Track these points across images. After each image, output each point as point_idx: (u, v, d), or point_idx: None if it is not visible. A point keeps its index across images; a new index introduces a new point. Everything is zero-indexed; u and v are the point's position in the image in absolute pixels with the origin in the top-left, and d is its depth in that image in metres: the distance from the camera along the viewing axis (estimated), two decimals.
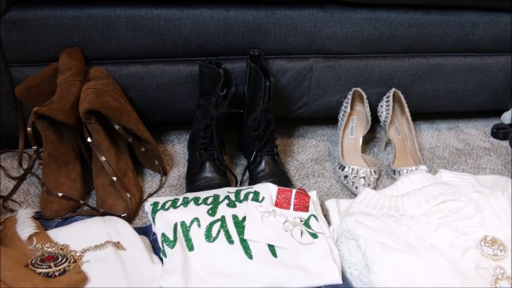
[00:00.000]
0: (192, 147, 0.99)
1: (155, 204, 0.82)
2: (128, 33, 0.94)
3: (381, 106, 1.12)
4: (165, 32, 0.95)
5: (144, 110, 1.03)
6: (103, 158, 0.89)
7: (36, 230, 0.76)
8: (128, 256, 0.74)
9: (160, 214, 0.80)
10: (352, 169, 0.99)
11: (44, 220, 0.84)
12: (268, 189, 0.87)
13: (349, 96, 1.09)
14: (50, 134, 0.89)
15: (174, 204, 0.82)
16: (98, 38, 0.94)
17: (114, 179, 0.88)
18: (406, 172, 1.01)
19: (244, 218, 0.79)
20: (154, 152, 0.97)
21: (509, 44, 1.18)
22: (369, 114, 1.09)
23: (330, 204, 0.88)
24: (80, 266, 0.71)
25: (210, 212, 0.80)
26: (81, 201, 0.90)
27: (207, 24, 0.96)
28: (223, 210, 0.81)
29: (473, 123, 1.31)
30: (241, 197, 0.84)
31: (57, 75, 0.92)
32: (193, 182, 0.94)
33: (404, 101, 1.12)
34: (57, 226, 0.81)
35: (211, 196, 0.84)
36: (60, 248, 0.74)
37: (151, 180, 1.00)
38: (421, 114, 1.29)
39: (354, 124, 1.11)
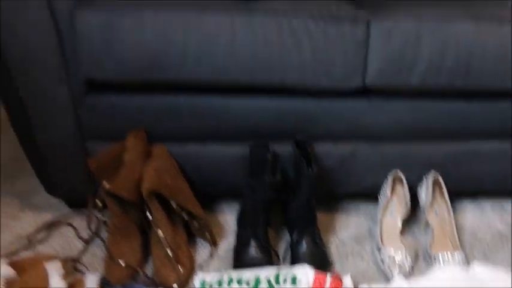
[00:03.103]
0: (240, 224, 1.08)
1: (203, 283, 0.91)
2: (188, 118, 1.05)
3: (421, 189, 1.17)
4: (221, 118, 1.06)
5: (198, 184, 1.13)
6: (161, 234, 0.99)
7: None
8: None
9: None
10: (389, 255, 1.04)
11: (107, 286, 0.95)
12: (306, 273, 0.93)
13: (389, 179, 1.14)
14: (116, 208, 1.01)
15: (219, 284, 0.90)
16: (161, 121, 1.05)
17: (169, 252, 0.98)
18: (442, 258, 1.04)
19: None
20: (205, 227, 1.07)
21: None
22: (408, 197, 1.13)
23: None
24: None
25: None
26: (140, 271, 1.00)
27: (258, 112, 1.06)
28: None
29: None
30: (281, 281, 0.91)
31: (124, 153, 1.05)
32: (239, 260, 1.02)
33: (443, 185, 1.16)
34: None
35: (253, 278, 0.91)
36: None
37: (202, 251, 1.09)
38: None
39: (393, 206, 1.16)
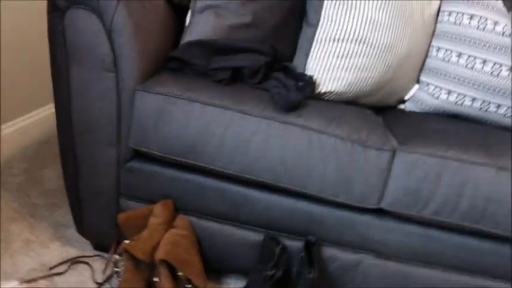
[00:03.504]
0: None
1: None
2: (212, 199, 1.15)
3: None
4: (241, 206, 1.15)
5: (211, 258, 1.22)
6: None
7: None
8: None
9: None
10: None
11: None
12: None
13: None
14: (131, 264, 1.11)
15: None
16: (188, 196, 1.16)
17: None
18: None
19: None
20: None
21: None
22: None
23: None
24: None
25: None
26: None
27: (276, 207, 1.14)
28: None
29: None
30: None
31: (150, 217, 1.16)
32: None
33: None
34: None
35: None
36: None
37: None
38: None
39: None
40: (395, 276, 1.20)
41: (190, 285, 1.13)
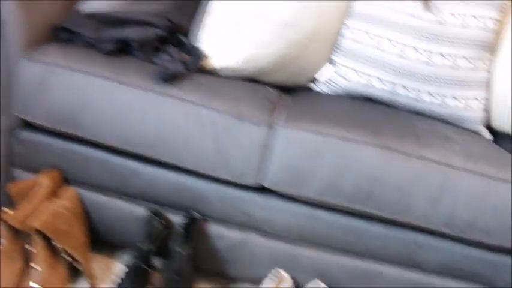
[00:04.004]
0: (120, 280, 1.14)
1: None
2: (98, 171, 1.14)
3: None
4: (127, 178, 1.14)
5: (101, 232, 1.21)
6: (35, 266, 1.08)
7: None
8: None
9: None
10: None
11: None
12: None
13: (271, 275, 1.17)
14: (9, 234, 1.11)
15: None
16: (74, 167, 1.15)
17: (34, 285, 1.07)
18: None
19: None
20: (85, 271, 1.15)
21: (460, 272, 1.17)
22: None
23: None
24: None
25: None
26: None
27: (160, 181, 1.13)
28: None
29: None
30: None
31: (35, 187, 1.15)
32: None
33: None
34: None
35: None
36: None
37: None
38: None
39: None
40: (283, 257, 1.18)
41: (70, 258, 1.12)
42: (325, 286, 1.17)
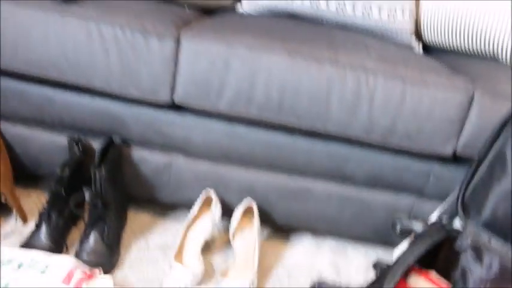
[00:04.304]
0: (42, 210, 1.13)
1: None
2: (14, 101, 1.12)
3: (234, 213, 1.17)
4: (43, 106, 1.12)
5: (27, 167, 1.20)
6: None
7: None
8: None
9: None
10: (176, 271, 1.06)
11: None
12: (63, 264, 0.97)
13: (201, 196, 1.16)
14: None
15: None
16: None
17: None
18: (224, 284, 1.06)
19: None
20: (11, 203, 1.14)
21: (388, 183, 1.16)
22: (216, 218, 1.14)
23: None
24: None
25: None
26: None
27: (78, 108, 1.11)
28: (4, 272, 0.93)
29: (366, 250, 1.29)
30: (30, 265, 0.95)
31: None
32: (27, 242, 1.08)
33: (256, 215, 1.16)
34: None
35: (9, 259, 0.96)
36: None
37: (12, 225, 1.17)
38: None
39: (201, 224, 1.17)
40: (209, 178, 1.17)
41: None
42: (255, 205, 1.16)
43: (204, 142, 1.12)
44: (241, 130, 1.10)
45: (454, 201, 1.10)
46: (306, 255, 1.25)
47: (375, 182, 1.16)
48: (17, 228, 1.16)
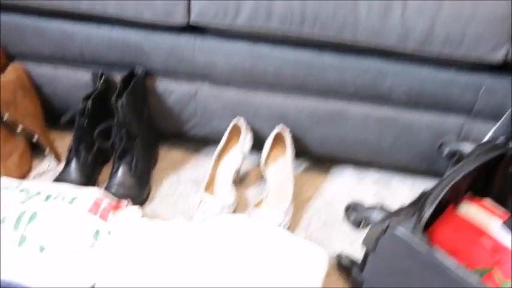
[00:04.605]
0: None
1: None
2: (35, 41, 1.11)
3: (266, 143, 1.11)
4: (63, 43, 1.10)
5: (56, 106, 1.20)
6: None
7: None
8: None
9: None
10: (205, 201, 1.02)
11: None
12: (90, 196, 0.95)
13: (229, 127, 1.11)
14: None
15: (9, 188, 0.96)
16: (13, 41, 1.13)
17: None
18: (259, 215, 1.01)
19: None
20: (43, 142, 1.15)
21: (432, 101, 1.05)
22: (246, 148, 1.09)
23: (140, 222, 0.95)
24: None
25: (22, 200, 0.93)
26: None
27: (95, 40, 1.08)
28: (33, 203, 0.92)
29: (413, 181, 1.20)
30: (58, 197, 0.95)
31: None
32: (58, 176, 1.09)
33: (288, 142, 1.09)
34: None
35: (39, 191, 0.96)
36: None
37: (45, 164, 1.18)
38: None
39: (233, 153, 1.13)
40: (237, 106, 1.11)
41: (19, 129, 1.12)
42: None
43: (227, 66, 1.06)
44: (264, 49, 1.03)
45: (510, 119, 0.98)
46: (347, 187, 1.17)
47: (416, 101, 1.06)
48: (50, 168, 1.17)
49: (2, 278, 0.84)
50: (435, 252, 0.71)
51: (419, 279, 0.74)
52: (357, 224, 0.93)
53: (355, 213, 0.93)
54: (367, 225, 0.92)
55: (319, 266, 0.86)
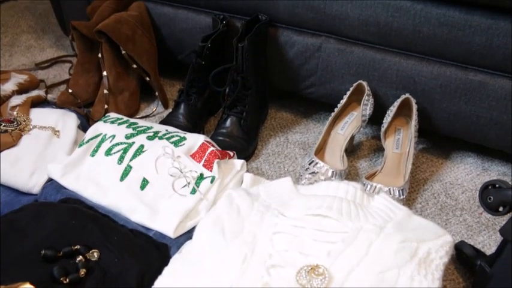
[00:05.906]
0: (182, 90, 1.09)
1: (107, 116, 0.96)
2: None
3: (389, 111, 1.01)
4: None
5: (171, 48, 1.17)
6: (104, 73, 1.08)
7: (20, 103, 0.99)
8: (56, 143, 0.92)
9: (99, 123, 0.94)
10: (314, 167, 0.93)
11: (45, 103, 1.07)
12: (196, 140, 0.91)
13: (352, 88, 1.01)
14: (81, 43, 1.12)
15: (117, 121, 0.94)
16: None
17: (105, 92, 1.07)
18: (373, 189, 0.90)
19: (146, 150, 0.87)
20: (154, 84, 1.12)
21: None
22: (366, 114, 0.99)
23: (246, 177, 0.88)
24: (21, 134, 0.92)
25: (128, 135, 0.90)
26: (80, 101, 1.10)
27: None
28: (139, 138, 0.89)
29: None
30: (165, 136, 0.91)
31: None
32: (165, 119, 1.05)
33: (415, 113, 0.98)
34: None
35: (148, 128, 0.93)
36: (24, 120, 0.96)
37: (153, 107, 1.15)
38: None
39: (350, 120, 1.03)
40: (362, 66, 1.01)
41: (136, 66, 1.10)
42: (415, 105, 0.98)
43: (359, 19, 0.96)
44: (404, 3, 0.92)
45: None
46: (469, 176, 1.04)
47: None
48: (156, 112, 1.14)
49: (105, 205, 0.81)
50: None
51: None
52: (495, 209, 0.80)
53: (496, 195, 0.79)
54: (508, 212, 0.78)
55: (442, 250, 0.74)
